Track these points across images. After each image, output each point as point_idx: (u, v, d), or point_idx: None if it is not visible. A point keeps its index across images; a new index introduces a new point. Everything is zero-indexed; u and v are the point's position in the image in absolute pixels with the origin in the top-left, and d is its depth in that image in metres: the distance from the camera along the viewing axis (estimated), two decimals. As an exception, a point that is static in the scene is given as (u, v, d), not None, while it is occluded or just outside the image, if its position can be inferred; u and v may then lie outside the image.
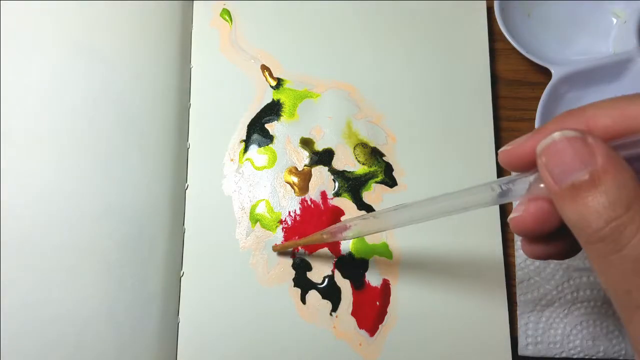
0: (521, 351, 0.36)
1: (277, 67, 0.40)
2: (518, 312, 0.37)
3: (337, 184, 0.38)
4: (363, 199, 0.38)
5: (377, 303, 0.36)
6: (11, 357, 0.32)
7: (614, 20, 0.40)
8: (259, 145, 0.39)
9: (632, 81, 0.38)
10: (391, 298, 0.36)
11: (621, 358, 0.36)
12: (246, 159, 0.39)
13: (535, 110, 0.37)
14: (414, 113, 0.39)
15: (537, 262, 0.37)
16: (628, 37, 0.38)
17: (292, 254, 0.37)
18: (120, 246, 0.35)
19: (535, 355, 0.36)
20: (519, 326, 0.37)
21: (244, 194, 0.38)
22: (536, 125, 0.37)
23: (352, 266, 0.37)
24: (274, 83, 0.40)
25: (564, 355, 0.36)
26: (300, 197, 0.38)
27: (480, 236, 0.37)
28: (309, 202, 0.38)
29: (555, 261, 0.37)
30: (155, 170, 0.37)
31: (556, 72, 0.38)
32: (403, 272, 0.37)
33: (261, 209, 0.38)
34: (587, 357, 0.36)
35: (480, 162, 0.38)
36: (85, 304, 0.34)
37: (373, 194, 0.38)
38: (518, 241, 0.38)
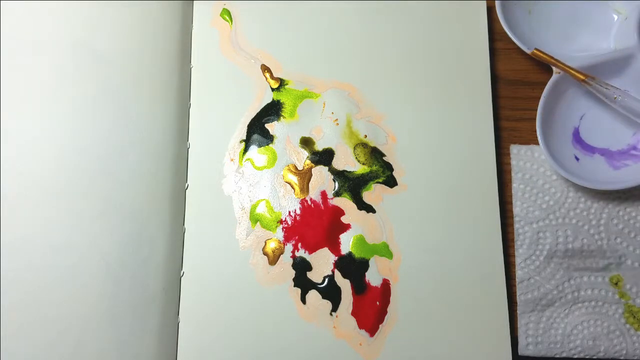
0: (521, 351, 0.36)
1: (277, 67, 0.40)
2: (518, 312, 0.37)
3: (337, 183, 0.38)
4: (363, 199, 0.38)
5: (377, 303, 0.36)
6: (11, 357, 0.33)
7: (615, 17, 0.40)
8: (259, 145, 0.39)
9: (633, 77, 0.38)
10: (391, 298, 0.36)
11: (622, 358, 0.36)
12: (246, 159, 0.39)
13: (535, 110, 0.37)
14: (414, 113, 0.39)
15: (537, 262, 0.37)
16: (629, 33, 0.38)
17: (293, 254, 0.37)
18: (120, 246, 0.35)
19: (535, 355, 0.36)
20: (519, 326, 0.37)
21: (244, 193, 0.38)
22: (537, 124, 0.37)
23: (352, 266, 0.37)
24: (275, 85, 0.40)
25: (564, 355, 0.36)
26: (300, 197, 0.38)
27: (480, 236, 0.37)
28: (309, 202, 0.38)
29: (556, 260, 0.37)
30: (155, 170, 0.37)
31: (557, 69, 0.38)
32: (403, 272, 0.37)
33: (261, 209, 0.38)
34: (587, 357, 0.36)
35: (481, 161, 0.38)
36: (85, 304, 0.34)
37: (373, 194, 0.38)
38: (518, 241, 0.37)
